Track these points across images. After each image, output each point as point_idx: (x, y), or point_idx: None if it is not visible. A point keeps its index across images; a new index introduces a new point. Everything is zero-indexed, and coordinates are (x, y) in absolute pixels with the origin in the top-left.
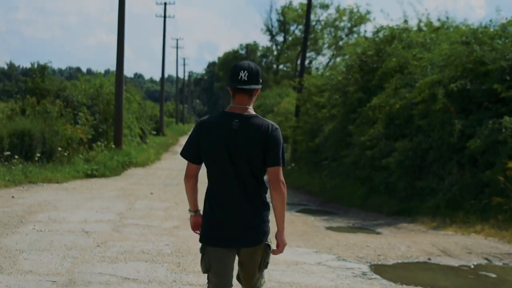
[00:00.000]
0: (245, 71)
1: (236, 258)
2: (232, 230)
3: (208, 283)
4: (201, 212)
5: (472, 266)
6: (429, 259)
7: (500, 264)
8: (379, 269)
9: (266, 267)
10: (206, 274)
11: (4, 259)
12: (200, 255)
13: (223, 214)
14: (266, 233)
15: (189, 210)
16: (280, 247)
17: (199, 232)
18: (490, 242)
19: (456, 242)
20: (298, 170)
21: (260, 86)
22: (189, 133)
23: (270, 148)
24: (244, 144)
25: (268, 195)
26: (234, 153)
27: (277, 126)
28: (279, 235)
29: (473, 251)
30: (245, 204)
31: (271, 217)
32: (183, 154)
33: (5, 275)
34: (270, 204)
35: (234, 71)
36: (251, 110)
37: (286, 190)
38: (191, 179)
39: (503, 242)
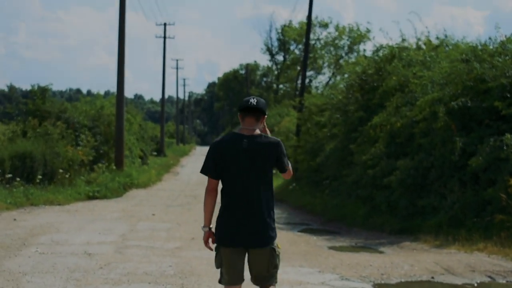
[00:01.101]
0: (255, 99)
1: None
2: (243, 233)
3: (220, 277)
4: (213, 230)
5: (476, 284)
6: (432, 277)
7: (504, 282)
8: None
9: (275, 268)
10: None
11: (7, 282)
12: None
13: (236, 219)
14: (272, 238)
15: (203, 226)
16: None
17: (209, 246)
18: (493, 260)
19: (459, 260)
20: (299, 189)
21: (266, 115)
22: (194, 151)
23: (279, 160)
24: (253, 160)
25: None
26: (245, 168)
27: (279, 140)
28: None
29: (476, 269)
30: (255, 212)
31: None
32: (204, 171)
33: None
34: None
35: (245, 100)
36: (258, 132)
37: (288, 208)
38: (213, 192)
39: (506, 260)
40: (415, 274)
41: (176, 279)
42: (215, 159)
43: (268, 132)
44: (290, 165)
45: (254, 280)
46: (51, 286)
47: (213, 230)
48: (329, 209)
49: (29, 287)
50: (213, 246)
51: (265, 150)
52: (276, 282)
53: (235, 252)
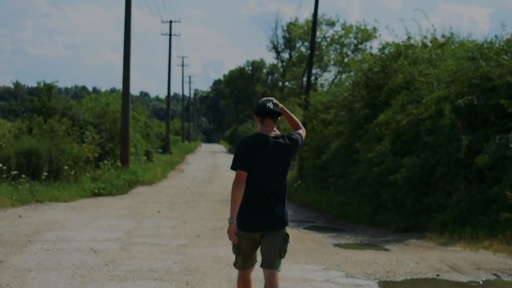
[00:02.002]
0: (271, 103)
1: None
2: (263, 218)
3: (236, 262)
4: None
5: (481, 282)
6: (437, 275)
7: (509, 279)
8: (388, 286)
9: (284, 254)
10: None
11: (12, 278)
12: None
13: (257, 207)
14: (286, 222)
15: (229, 218)
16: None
17: (235, 239)
18: (499, 258)
19: (464, 258)
20: (305, 187)
21: (281, 115)
22: (199, 149)
23: (299, 144)
24: (276, 157)
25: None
26: (269, 163)
27: (297, 139)
28: None
29: (481, 267)
30: (278, 199)
31: None
32: (236, 166)
33: None
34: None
35: (262, 104)
36: (277, 131)
37: (294, 205)
38: (242, 184)
39: None
40: (420, 272)
41: (181, 276)
42: (244, 155)
43: (295, 119)
44: (302, 132)
45: (265, 263)
46: (56, 282)
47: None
48: (335, 207)
49: (35, 284)
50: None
51: (285, 148)
52: (280, 269)
53: (252, 237)
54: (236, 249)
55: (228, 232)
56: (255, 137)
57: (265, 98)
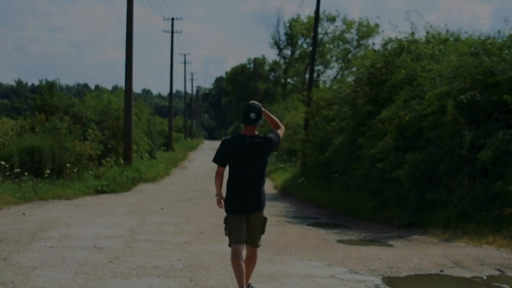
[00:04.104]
0: (254, 113)
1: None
2: (247, 203)
3: (230, 241)
4: (223, 195)
5: (485, 278)
6: (441, 270)
7: None
8: (392, 282)
9: (263, 232)
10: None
11: (16, 276)
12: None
13: (241, 194)
14: (264, 204)
15: (216, 194)
16: None
17: (222, 206)
18: (502, 253)
19: (468, 254)
20: (307, 183)
21: (261, 121)
22: (202, 146)
23: (272, 145)
24: (255, 154)
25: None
26: (247, 158)
27: (266, 134)
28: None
29: (485, 262)
30: (255, 188)
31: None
32: (216, 161)
33: None
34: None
35: (247, 112)
36: (256, 133)
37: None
38: (220, 176)
39: None
40: (424, 267)
41: (185, 272)
42: (224, 152)
43: (276, 120)
44: (280, 131)
45: (249, 241)
46: (60, 279)
47: (223, 195)
48: (338, 203)
49: (39, 281)
50: (224, 207)
51: (262, 146)
52: (260, 245)
53: (241, 219)
54: (227, 229)
55: (217, 203)
56: (235, 138)
57: (251, 102)
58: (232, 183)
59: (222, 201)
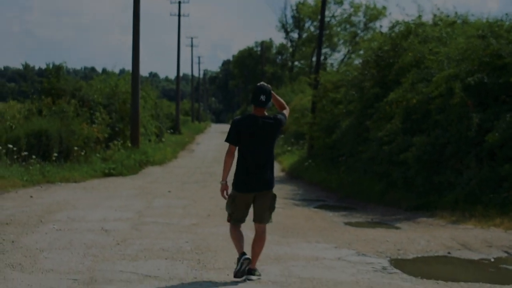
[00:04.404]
0: (264, 95)
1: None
2: (256, 183)
3: (230, 217)
4: (229, 184)
5: (492, 260)
6: (448, 253)
7: None
8: (399, 264)
9: (273, 209)
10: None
11: (24, 258)
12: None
13: (251, 174)
14: (273, 183)
15: (221, 181)
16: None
17: (225, 196)
18: (510, 235)
19: (475, 236)
20: (315, 166)
21: (270, 103)
22: (209, 129)
23: (280, 125)
24: (266, 134)
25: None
26: (260, 139)
27: (275, 115)
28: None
29: (493, 245)
30: (264, 168)
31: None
32: (228, 140)
33: (26, 274)
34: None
35: (257, 94)
36: (266, 113)
37: (304, 184)
38: (232, 154)
39: None
40: (431, 250)
41: (192, 255)
42: (236, 131)
43: (282, 101)
44: (286, 111)
45: (257, 218)
46: (68, 262)
47: (228, 186)
48: (345, 186)
49: (46, 263)
50: (228, 196)
51: (272, 127)
52: (271, 221)
53: (247, 198)
54: (231, 207)
55: (221, 191)
56: (246, 118)
57: (261, 84)
58: (241, 162)
59: (226, 192)
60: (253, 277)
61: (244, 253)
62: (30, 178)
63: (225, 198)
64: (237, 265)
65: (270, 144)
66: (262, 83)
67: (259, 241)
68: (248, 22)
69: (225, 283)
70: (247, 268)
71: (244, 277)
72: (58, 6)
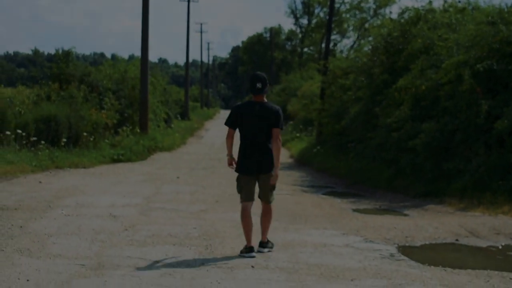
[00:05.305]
0: (259, 82)
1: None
2: (256, 164)
3: (240, 198)
4: (234, 157)
5: (500, 247)
6: (456, 240)
7: None
8: (407, 251)
9: (274, 189)
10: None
11: (33, 243)
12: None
13: (251, 156)
14: (273, 166)
15: (227, 154)
16: (274, 176)
17: (232, 167)
18: None
19: (483, 223)
20: (323, 152)
21: (267, 89)
22: (218, 115)
23: (275, 119)
24: (262, 119)
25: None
26: (256, 123)
27: (278, 107)
28: (275, 169)
29: (501, 232)
30: (263, 150)
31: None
32: (227, 123)
33: (35, 259)
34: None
35: (253, 82)
36: (265, 100)
37: (312, 171)
38: (231, 137)
39: None
40: (439, 237)
41: (200, 240)
42: (235, 116)
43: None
44: (281, 130)
45: (261, 197)
46: (76, 247)
47: (235, 158)
48: (354, 172)
49: (55, 248)
50: (234, 167)
51: (269, 113)
52: (273, 199)
53: (250, 179)
54: (240, 188)
55: (228, 164)
56: (245, 104)
57: (255, 73)
58: (242, 146)
59: (233, 162)
60: (264, 250)
61: (252, 249)
62: (39, 163)
63: (232, 168)
64: (245, 252)
65: (266, 128)
66: (256, 72)
67: (264, 216)
68: (257, 8)
69: (233, 268)
70: (258, 241)
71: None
72: None
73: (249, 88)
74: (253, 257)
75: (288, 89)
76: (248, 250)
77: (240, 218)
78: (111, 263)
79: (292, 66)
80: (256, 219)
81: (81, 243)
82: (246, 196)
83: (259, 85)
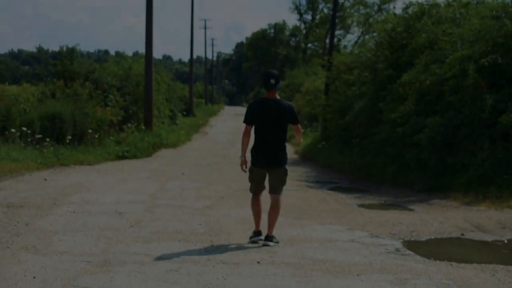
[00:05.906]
0: (273, 79)
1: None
2: (268, 159)
3: (250, 186)
4: (247, 158)
5: (506, 241)
6: (462, 234)
7: None
8: (412, 245)
9: (284, 183)
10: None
11: (39, 240)
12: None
13: (265, 151)
14: (285, 161)
15: (240, 156)
16: (299, 142)
17: (244, 170)
18: None
19: (489, 217)
20: (328, 148)
21: (279, 85)
22: (222, 111)
23: (292, 116)
24: (277, 115)
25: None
26: (271, 120)
27: (291, 103)
28: (298, 141)
29: (506, 226)
30: (276, 145)
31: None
32: (245, 121)
33: (41, 256)
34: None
35: (266, 79)
36: (277, 97)
37: (317, 166)
38: (248, 134)
39: None
40: (444, 231)
41: (205, 237)
42: (252, 113)
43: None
44: (299, 122)
45: (271, 190)
46: (82, 244)
47: (247, 159)
48: (358, 168)
49: (61, 245)
50: (247, 170)
51: (283, 110)
52: (282, 192)
53: (261, 171)
54: (251, 178)
55: (240, 165)
56: (260, 100)
57: (268, 70)
58: (256, 141)
59: (244, 165)
60: (270, 243)
61: (259, 233)
62: (44, 161)
63: (244, 171)
64: (253, 236)
65: (281, 125)
66: (270, 69)
67: (273, 210)
68: (261, 4)
69: (239, 264)
70: (265, 235)
71: (261, 244)
72: None
73: (262, 84)
74: (262, 239)
75: (292, 85)
76: (256, 234)
77: (250, 204)
78: (117, 259)
79: (297, 62)
80: (264, 214)
81: (87, 240)
82: (256, 186)
83: (272, 81)
